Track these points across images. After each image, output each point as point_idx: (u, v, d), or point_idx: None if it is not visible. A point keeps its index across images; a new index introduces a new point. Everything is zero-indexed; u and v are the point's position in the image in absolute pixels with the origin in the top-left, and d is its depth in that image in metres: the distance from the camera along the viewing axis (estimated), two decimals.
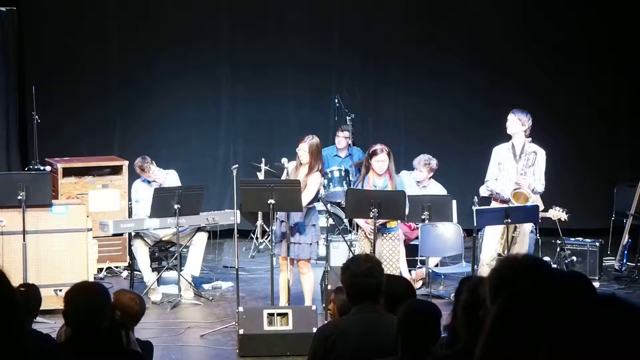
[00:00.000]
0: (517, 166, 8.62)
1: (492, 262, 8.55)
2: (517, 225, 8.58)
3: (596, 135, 12.36)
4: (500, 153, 8.74)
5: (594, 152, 12.34)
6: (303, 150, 8.31)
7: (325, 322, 5.53)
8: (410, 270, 9.47)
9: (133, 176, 10.08)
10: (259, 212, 10.99)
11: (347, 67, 12.30)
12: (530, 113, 8.78)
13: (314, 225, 8.40)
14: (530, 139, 8.67)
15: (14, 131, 11.30)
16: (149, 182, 9.59)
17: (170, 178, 9.70)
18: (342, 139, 11.08)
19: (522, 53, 12.19)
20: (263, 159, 10.89)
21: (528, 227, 8.80)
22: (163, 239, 9.63)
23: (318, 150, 8.38)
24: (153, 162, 9.58)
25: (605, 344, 1.84)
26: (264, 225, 11.13)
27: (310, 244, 8.36)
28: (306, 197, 8.23)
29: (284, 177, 8.80)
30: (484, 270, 8.29)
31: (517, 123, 8.62)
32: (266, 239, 11.06)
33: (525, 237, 8.72)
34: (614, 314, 1.89)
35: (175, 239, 9.23)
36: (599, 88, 12.30)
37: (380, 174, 8.40)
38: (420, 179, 9.99)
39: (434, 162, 9.98)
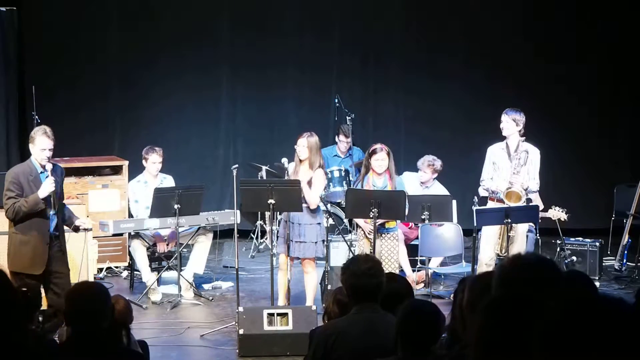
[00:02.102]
0: (510, 165, 8.62)
1: (490, 261, 8.57)
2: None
3: (596, 135, 12.36)
4: (494, 152, 8.75)
5: (594, 152, 12.34)
6: (302, 145, 8.32)
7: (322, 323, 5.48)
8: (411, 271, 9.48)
9: (133, 176, 10.08)
10: (265, 212, 10.98)
11: (347, 67, 12.29)
12: (528, 113, 8.77)
13: (319, 223, 8.40)
14: (524, 137, 8.67)
15: (14, 131, 11.29)
16: (145, 182, 9.61)
17: (165, 183, 9.68)
18: (345, 143, 11.06)
19: (522, 53, 12.20)
20: (264, 167, 10.90)
21: (524, 225, 8.80)
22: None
23: (317, 147, 8.36)
24: (162, 156, 9.58)
25: (602, 345, 1.84)
26: (264, 225, 11.13)
27: (316, 242, 8.36)
28: (314, 194, 8.23)
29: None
30: (483, 270, 8.28)
31: (512, 124, 8.62)
32: (266, 239, 11.06)
33: (521, 236, 8.72)
34: (615, 316, 1.88)
35: None
36: (599, 88, 12.30)
37: (379, 173, 8.40)
38: (424, 180, 9.99)
39: (437, 163, 9.97)
